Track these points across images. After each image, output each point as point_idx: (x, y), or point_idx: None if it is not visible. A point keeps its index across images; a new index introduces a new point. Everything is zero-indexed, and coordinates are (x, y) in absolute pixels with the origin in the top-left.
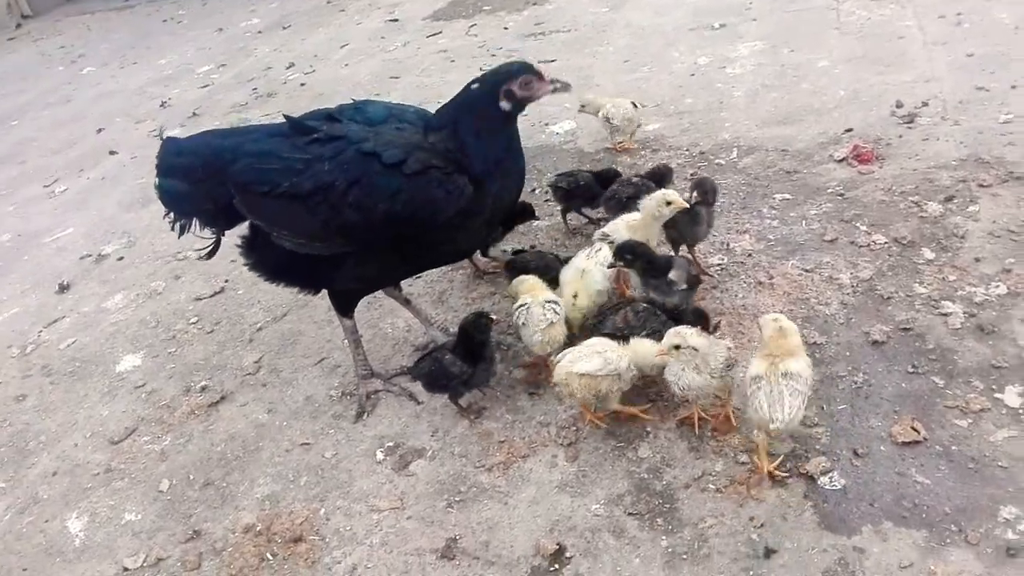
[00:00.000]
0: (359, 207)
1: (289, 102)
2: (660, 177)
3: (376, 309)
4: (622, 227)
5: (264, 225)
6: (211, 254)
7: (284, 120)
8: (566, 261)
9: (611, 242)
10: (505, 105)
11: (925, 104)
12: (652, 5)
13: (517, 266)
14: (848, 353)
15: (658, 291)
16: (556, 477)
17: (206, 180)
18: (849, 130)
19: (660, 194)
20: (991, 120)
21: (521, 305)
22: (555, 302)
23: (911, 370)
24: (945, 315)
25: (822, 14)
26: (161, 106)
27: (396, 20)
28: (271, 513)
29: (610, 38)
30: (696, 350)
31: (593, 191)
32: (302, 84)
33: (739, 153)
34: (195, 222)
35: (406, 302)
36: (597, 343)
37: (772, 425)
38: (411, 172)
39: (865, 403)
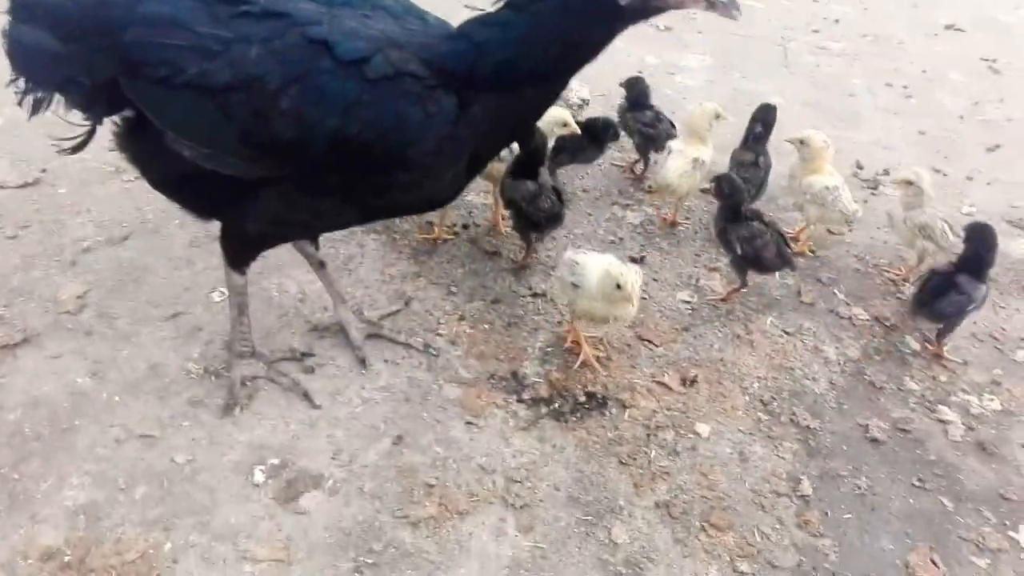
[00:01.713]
0: (295, 118)
1: None
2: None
3: (257, 261)
4: None
5: (158, 123)
6: (79, 147)
7: None
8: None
9: None
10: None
11: (886, 172)
12: None
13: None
14: (846, 447)
15: None
16: (505, 552)
17: (84, 39)
18: None
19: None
20: (953, 208)
21: None
22: None
23: (917, 484)
24: (943, 423)
25: (769, 48)
26: None
27: None
28: (87, 536)
29: None
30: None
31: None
32: None
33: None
34: (57, 98)
35: (320, 265)
36: None
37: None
38: (376, 76)
39: (873, 516)
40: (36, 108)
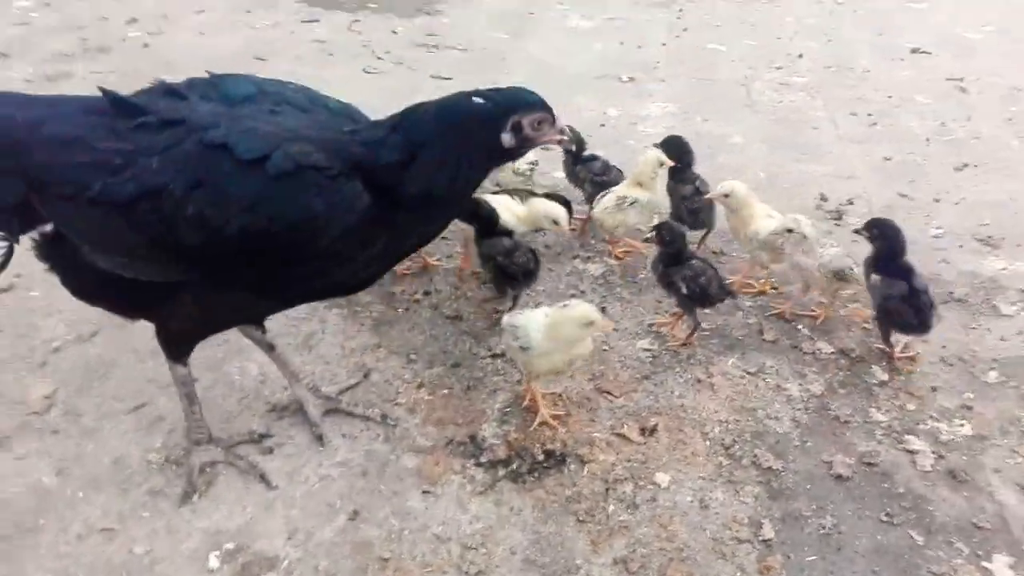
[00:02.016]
0: (202, 223)
1: (126, 62)
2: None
3: (220, 346)
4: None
5: (73, 237)
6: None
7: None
8: None
9: None
10: (507, 138)
11: (851, 202)
12: (554, 43)
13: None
14: (809, 486)
15: None
16: None
17: None
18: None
19: None
20: (920, 232)
21: None
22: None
23: (884, 519)
24: (912, 453)
25: (731, 88)
26: None
27: None
28: None
29: (510, 68)
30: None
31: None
32: (145, 45)
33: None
34: None
35: (269, 348)
36: None
37: None
38: (277, 172)
39: (838, 556)
40: None
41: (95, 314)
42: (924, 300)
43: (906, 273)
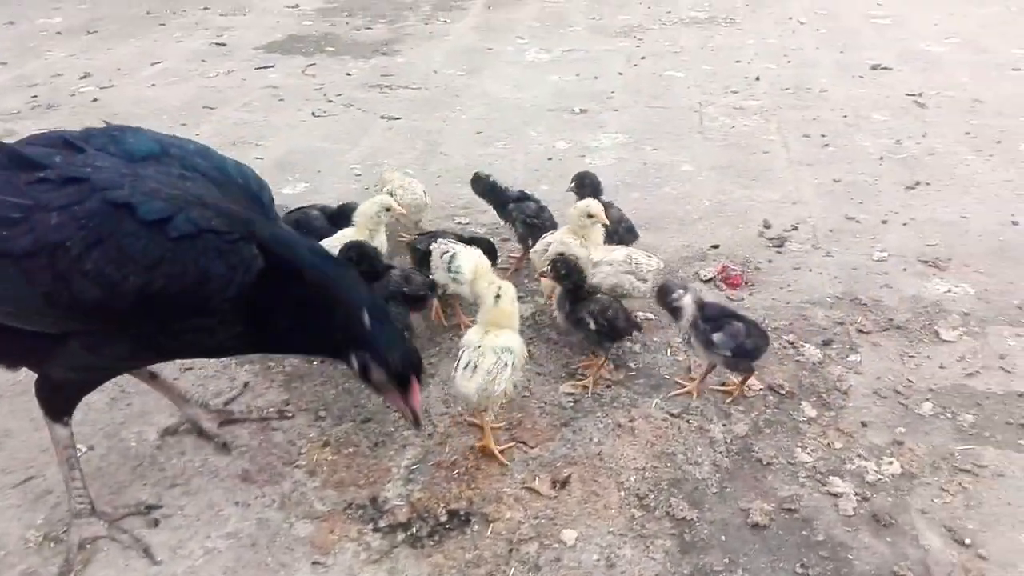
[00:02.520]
0: (99, 280)
1: (73, 118)
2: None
3: (120, 410)
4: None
5: None
6: None
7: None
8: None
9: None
10: (353, 362)
11: (795, 228)
12: (511, 77)
13: None
14: (723, 537)
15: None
16: None
17: None
18: (715, 247)
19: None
20: (864, 256)
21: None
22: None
23: (800, 570)
24: (835, 495)
25: (685, 115)
26: None
27: (223, 44)
28: None
29: (463, 104)
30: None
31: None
32: (94, 99)
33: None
34: None
35: (151, 376)
36: None
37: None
38: (179, 235)
39: None
40: None
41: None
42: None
43: None
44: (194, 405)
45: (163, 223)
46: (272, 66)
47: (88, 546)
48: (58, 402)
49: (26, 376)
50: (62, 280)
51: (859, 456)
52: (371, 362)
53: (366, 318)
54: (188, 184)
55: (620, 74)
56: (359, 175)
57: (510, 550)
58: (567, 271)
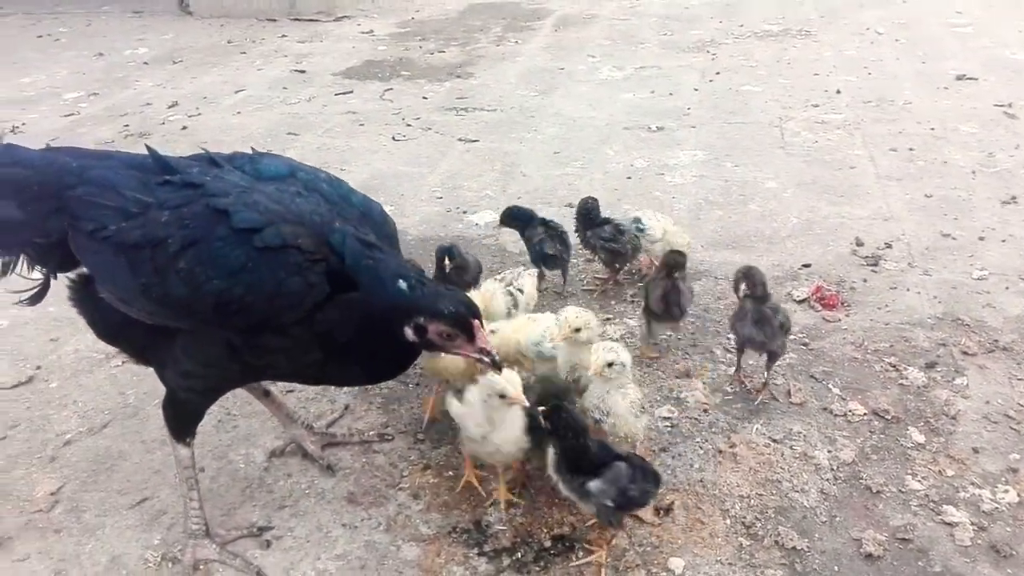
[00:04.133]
0: (188, 278)
1: (164, 146)
2: None
3: (227, 432)
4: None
5: (88, 271)
6: (36, 299)
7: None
8: None
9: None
10: (409, 334)
11: (888, 246)
12: (584, 96)
13: None
14: (836, 568)
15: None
16: None
17: (41, 203)
18: (807, 266)
19: None
20: (963, 274)
21: None
22: None
23: None
24: (950, 525)
25: (765, 130)
26: (12, 131)
27: (303, 71)
28: None
29: (538, 125)
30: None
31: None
32: (183, 127)
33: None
34: (22, 259)
35: (264, 394)
36: None
37: None
38: (263, 245)
39: None
40: (5, 269)
41: (108, 404)
42: None
43: None
44: (299, 426)
45: (252, 232)
46: (351, 92)
47: (201, 567)
48: (181, 421)
49: (136, 400)
50: (158, 274)
51: (973, 484)
52: (426, 320)
53: (403, 284)
54: (299, 201)
55: (695, 90)
56: (440, 197)
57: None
58: (568, 426)
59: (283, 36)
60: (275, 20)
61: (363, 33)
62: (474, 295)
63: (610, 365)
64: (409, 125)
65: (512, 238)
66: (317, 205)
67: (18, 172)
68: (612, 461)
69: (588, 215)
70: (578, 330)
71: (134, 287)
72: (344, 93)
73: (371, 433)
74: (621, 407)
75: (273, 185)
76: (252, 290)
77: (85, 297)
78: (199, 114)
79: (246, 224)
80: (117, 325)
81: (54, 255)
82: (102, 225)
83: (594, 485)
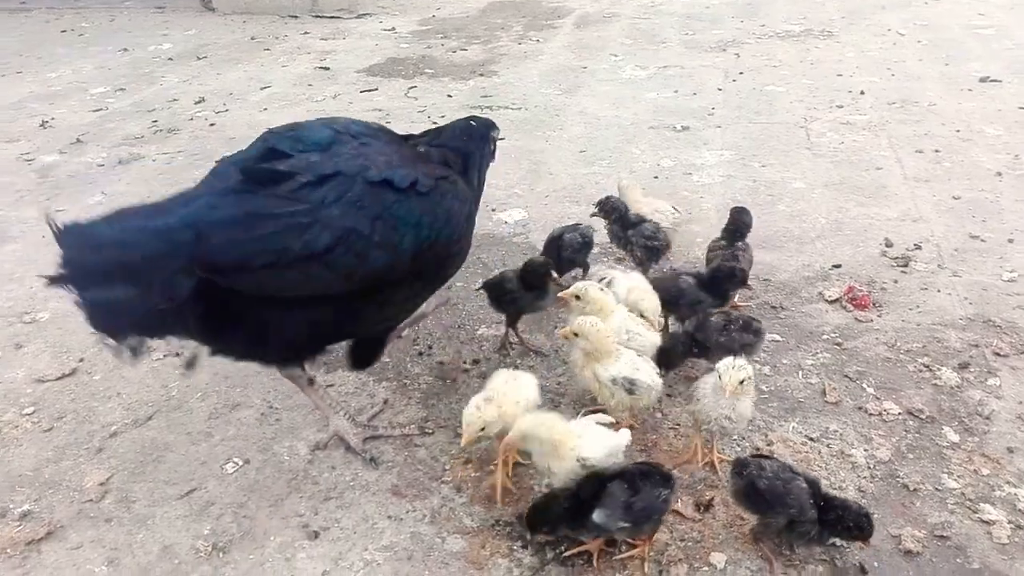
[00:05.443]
0: (385, 245)
1: (194, 142)
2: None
3: (270, 425)
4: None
5: (264, 294)
6: (193, 364)
7: (214, 176)
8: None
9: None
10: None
11: (918, 247)
12: (608, 96)
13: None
14: (876, 564)
15: None
16: None
17: (157, 269)
18: (837, 266)
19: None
20: (993, 276)
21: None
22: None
23: None
24: (987, 523)
25: (791, 131)
26: (41, 126)
27: (327, 68)
28: None
29: (563, 123)
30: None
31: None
32: (211, 124)
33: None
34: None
35: (308, 383)
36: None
37: None
38: (426, 190)
39: None
40: (135, 353)
41: (151, 396)
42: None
43: None
44: (343, 418)
45: (413, 185)
46: (376, 89)
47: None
48: (292, 360)
49: (179, 392)
50: (359, 258)
51: (1008, 483)
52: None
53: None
54: (371, 150)
55: (719, 90)
56: None
57: (660, 572)
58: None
59: (305, 33)
60: (297, 17)
61: (385, 30)
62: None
63: (742, 383)
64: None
65: (542, 236)
66: (388, 148)
67: (112, 256)
68: (602, 487)
69: (624, 216)
70: (742, 382)
71: (334, 280)
72: (369, 90)
73: (411, 427)
74: (748, 409)
75: (343, 147)
76: (436, 226)
77: (211, 324)
78: (226, 110)
79: (406, 181)
80: (259, 331)
81: (179, 316)
82: (285, 249)
83: (597, 517)
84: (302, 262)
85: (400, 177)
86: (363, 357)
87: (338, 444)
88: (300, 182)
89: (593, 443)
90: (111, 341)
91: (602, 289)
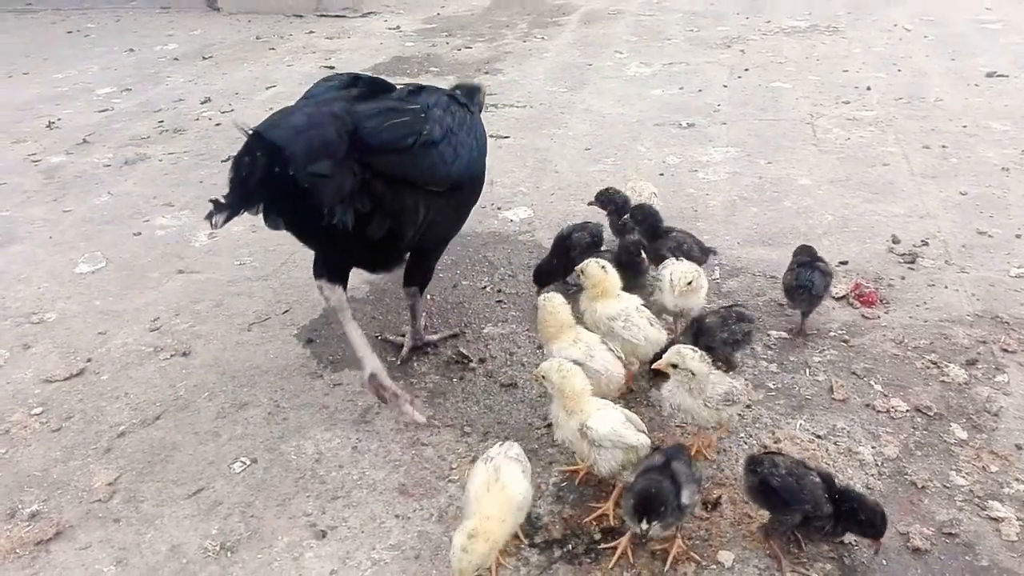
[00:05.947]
0: (466, 146)
1: (200, 142)
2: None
3: (277, 424)
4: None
5: (408, 177)
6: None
7: (320, 93)
8: None
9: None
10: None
11: (925, 243)
12: (614, 93)
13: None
14: (885, 562)
15: None
16: None
17: (343, 150)
18: (844, 263)
19: None
20: (1000, 272)
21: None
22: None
23: None
24: (996, 520)
25: (797, 127)
26: (48, 126)
27: (332, 67)
28: None
29: (568, 121)
30: (693, 374)
31: None
32: (217, 124)
33: (722, 273)
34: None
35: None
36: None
37: None
38: (477, 112)
39: None
40: (343, 219)
41: (158, 396)
42: None
43: None
44: (376, 359)
45: (470, 104)
46: None
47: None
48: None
49: (186, 392)
50: (455, 151)
51: (1017, 480)
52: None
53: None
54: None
55: (724, 86)
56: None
57: (668, 570)
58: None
59: (310, 32)
60: (301, 16)
61: (390, 29)
62: None
63: (689, 283)
64: None
65: (548, 235)
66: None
67: (317, 135)
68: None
69: (655, 225)
70: (690, 283)
71: (443, 174)
72: None
73: (445, 331)
74: (700, 302)
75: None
76: (480, 141)
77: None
78: (232, 110)
79: (465, 100)
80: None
81: (356, 192)
82: (417, 134)
83: (686, 496)
84: (425, 147)
85: (461, 96)
86: (417, 276)
87: (346, 444)
88: (406, 90)
89: (602, 421)
90: (329, 212)
91: (603, 267)
